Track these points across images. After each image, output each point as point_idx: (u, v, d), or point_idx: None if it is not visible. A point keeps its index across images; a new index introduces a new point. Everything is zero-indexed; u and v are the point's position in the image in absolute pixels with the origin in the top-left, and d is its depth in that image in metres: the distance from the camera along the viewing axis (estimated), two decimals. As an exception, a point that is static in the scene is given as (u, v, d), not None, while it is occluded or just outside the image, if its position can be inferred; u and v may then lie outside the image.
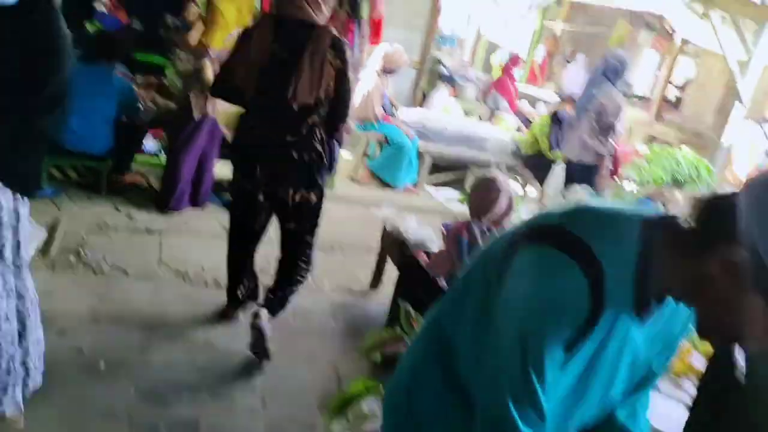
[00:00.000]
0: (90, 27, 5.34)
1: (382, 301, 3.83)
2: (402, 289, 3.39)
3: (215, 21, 4.11)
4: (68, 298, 3.25)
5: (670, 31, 14.75)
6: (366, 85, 5.80)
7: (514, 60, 7.91)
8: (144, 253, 3.96)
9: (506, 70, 7.87)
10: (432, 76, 8.18)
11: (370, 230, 5.11)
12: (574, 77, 13.16)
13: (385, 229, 3.84)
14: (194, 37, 4.14)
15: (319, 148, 2.84)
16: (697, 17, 7.47)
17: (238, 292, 3.32)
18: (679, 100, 12.48)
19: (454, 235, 2.97)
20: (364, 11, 4.88)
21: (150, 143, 5.21)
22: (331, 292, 3.93)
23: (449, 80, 8.09)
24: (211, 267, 3.91)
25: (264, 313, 2.99)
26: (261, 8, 5.01)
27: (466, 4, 11.42)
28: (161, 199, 4.52)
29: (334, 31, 2.82)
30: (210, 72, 4.24)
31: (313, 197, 2.97)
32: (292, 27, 2.74)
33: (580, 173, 5.16)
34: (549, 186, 6.25)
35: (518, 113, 7.88)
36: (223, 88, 2.94)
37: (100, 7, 5.87)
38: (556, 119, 6.19)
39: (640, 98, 12.74)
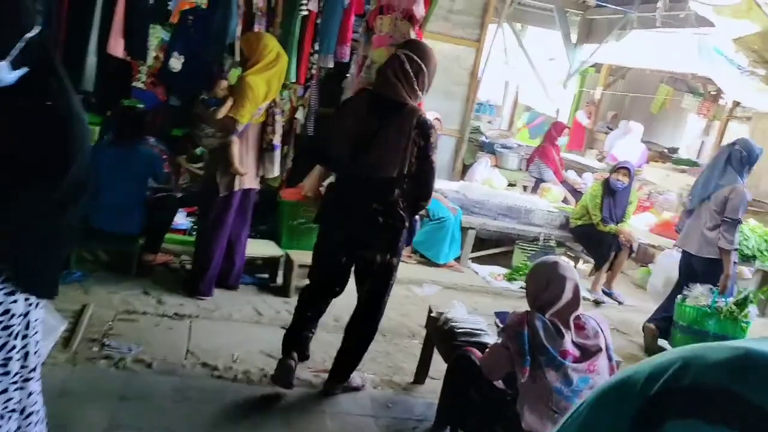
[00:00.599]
0: (126, 105, 5.28)
1: (429, 398, 3.45)
2: (452, 388, 3.01)
3: (244, 95, 3.93)
4: (85, 400, 2.95)
5: (714, 95, 14.48)
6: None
7: (558, 127, 7.65)
8: (171, 342, 3.68)
9: (549, 137, 7.60)
10: (472, 146, 7.96)
11: (412, 312, 4.77)
12: (629, 148, 12.79)
13: (430, 316, 3.49)
14: (222, 111, 3.97)
15: (402, 215, 3.01)
16: (750, 80, 7.15)
17: (301, 337, 3.40)
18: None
19: (514, 331, 2.61)
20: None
21: (182, 221, 5.03)
22: (372, 386, 3.56)
23: (490, 149, 7.85)
24: (242, 357, 3.62)
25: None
26: (297, 80, 4.89)
27: (503, 71, 11.34)
28: (191, 283, 4.27)
29: (423, 112, 2.97)
30: (236, 148, 4.05)
31: (394, 261, 3.16)
32: (385, 103, 2.96)
33: (702, 269, 4.68)
34: (602, 261, 5.84)
35: (564, 183, 7.56)
36: (318, 155, 3.30)
37: (139, 85, 5.84)
38: (608, 189, 5.84)
39: (691, 164, 12.31)
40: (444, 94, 7.15)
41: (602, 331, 2.70)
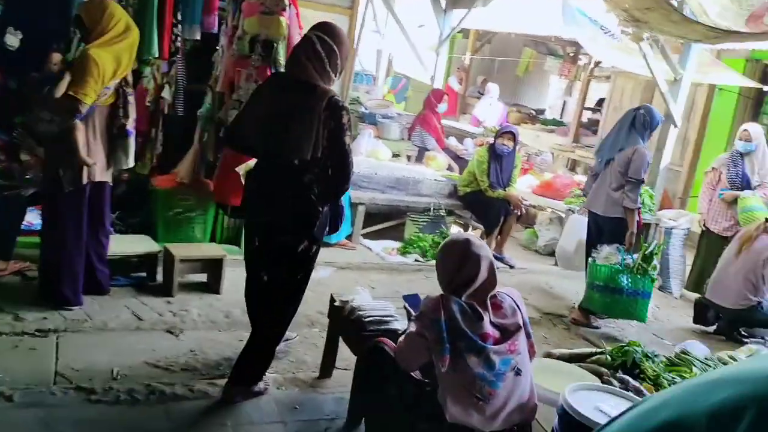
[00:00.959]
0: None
1: (339, 392, 3.21)
2: (365, 382, 2.79)
3: (87, 71, 3.42)
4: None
5: (573, 56, 15.13)
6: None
7: (437, 94, 7.55)
8: (35, 365, 3.18)
9: (429, 105, 7.50)
10: (352, 118, 7.70)
11: (309, 298, 4.47)
12: (489, 108, 13.11)
13: (334, 305, 3.24)
14: (59, 89, 3.43)
15: (315, 201, 2.89)
16: (612, 40, 7.42)
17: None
18: (593, 122, 12.58)
19: (429, 319, 2.42)
20: (281, 55, 4.33)
21: (37, 220, 4.40)
22: (275, 386, 3.26)
23: (371, 120, 7.63)
24: (124, 372, 3.20)
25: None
26: (160, 55, 4.38)
27: (375, 40, 11.15)
28: (52, 292, 3.73)
29: (334, 94, 2.89)
30: (81, 135, 3.54)
31: (313, 249, 3.03)
32: (296, 85, 2.90)
33: (609, 228, 4.78)
34: (491, 226, 5.84)
35: (447, 150, 7.51)
36: (235, 141, 3.20)
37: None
38: (494, 154, 5.82)
39: (558, 124, 12.81)
40: (320, 65, 6.82)
41: (519, 307, 2.57)
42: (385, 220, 6.04)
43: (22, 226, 4.32)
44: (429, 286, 5.11)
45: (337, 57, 2.91)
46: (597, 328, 4.82)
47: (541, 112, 14.99)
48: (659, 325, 5.20)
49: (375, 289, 4.89)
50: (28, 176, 4.65)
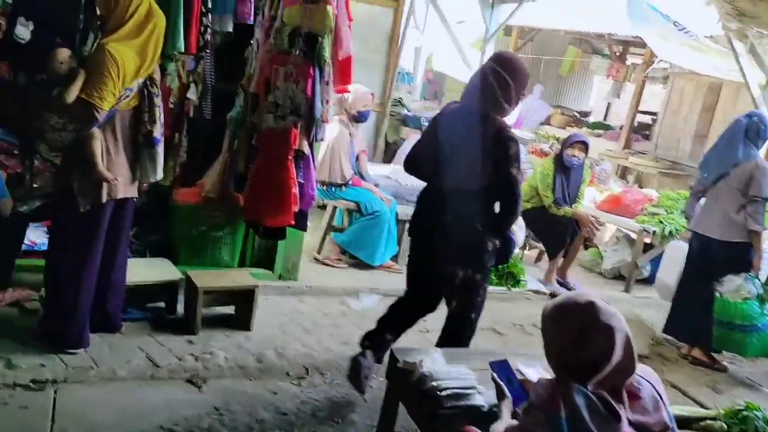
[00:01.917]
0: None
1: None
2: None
3: (105, 71, 2.82)
4: None
5: (620, 55, 14.27)
6: (329, 138, 4.60)
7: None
8: (26, 428, 2.58)
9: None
10: (394, 121, 7.05)
11: (355, 336, 3.84)
12: (535, 110, 12.37)
13: (397, 367, 2.56)
14: (71, 92, 2.82)
15: (481, 231, 2.94)
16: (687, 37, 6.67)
17: (381, 337, 3.27)
18: (643, 126, 11.75)
19: (545, 414, 1.75)
20: (326, 51, 3.68)
21: (42, 238, 3.82)
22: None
23: (415, 124, 6.97)
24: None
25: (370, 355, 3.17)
26: (187, 49, 3.75)
27: (413, 35, 10.45)
28: (53, 332, 3.13)
29: (504, 125, 2.91)
30: (98, 145, 2.93)
31: (477, 278, 3.06)
32: (467, 116, 2.94)
33: (727, 254, 4.13)
34: (553, 248, 5.13)
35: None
36: (412, 169, 3.23)
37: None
38: (561, 166, 5.11)
39: (605, 127, 12.01)
40: (360, 63, 6.17)
41: (661, 398, 1.89)
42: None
43: (24, 246, 3.75)
44: (485, 315, 4.43)
45: (512, 89, 2.90)
46: (724, 370, 4.24)
47: (586, 114, 14.18)
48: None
49: (427, 327, 4.23)
50: (36, 185, 4.07)
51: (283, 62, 3.74)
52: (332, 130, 4.67)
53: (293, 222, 3.82)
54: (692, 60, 6.94)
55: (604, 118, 14.70)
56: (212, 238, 4.11)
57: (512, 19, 9.20)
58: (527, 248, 5.77)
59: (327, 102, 3.81)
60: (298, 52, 3.69)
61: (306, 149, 3.81)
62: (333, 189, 4.79)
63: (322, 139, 3.98)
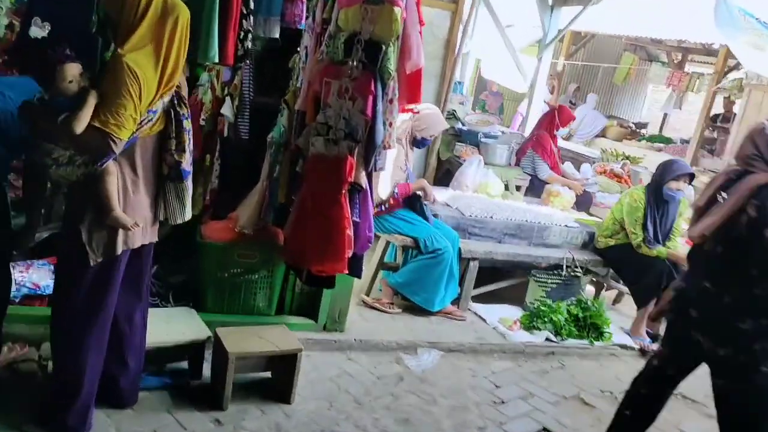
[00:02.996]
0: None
1: None
2: None
3: (122, 89, 2.19)
4: None
5: (678, 63, 13.34)
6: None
7: (564, 115, 6.06)
8: None
9: (548, 124, 6.05)
10: (447, 136, 6.34)
11: (409, 410, 3.14)
12: (589, 121, 11.54)
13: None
14: (81, 119, 2.19)
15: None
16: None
17: None
18: (708, 140, 10.82)
19: None
20: (391, 62, 2.99)
21: (46, 280, 3.20)
22: None
23: (472, 140, 6.25)
24: None
25: None
26: (222, 59, 3.08)
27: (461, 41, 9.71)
28: (52, 413, 2.49)
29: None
30: (114, 182, 2.29)
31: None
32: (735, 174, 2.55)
33: None
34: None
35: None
36: None
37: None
38: (657, 199, 4.34)
39: (666, 141, 11.10)
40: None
41: None
42: (501, 279, 4.63)
43: (25, 290, 3.14)
44: (566, 378, 3.71)
45: None
46: None
47: (643, 126, 13.27)
48: None
49: (500, 390, 3.51)
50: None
51: (336, 75, 3.06)
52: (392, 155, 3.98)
53: (346, 270, 3.14)
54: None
55: (660, 130, 13.77)
56: (246, 282, 3.45)
57: (577, 23, 8.43)
58: (605, 288, 5.00)
59: (390, 125, 3.11)
60: (356, 63, 3.00)
61: (363, 181, 3.12)
62: (385, 220, 4.09)
63: (382, 169, 3.28)
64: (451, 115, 6.54)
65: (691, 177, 4.33)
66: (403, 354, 3.72)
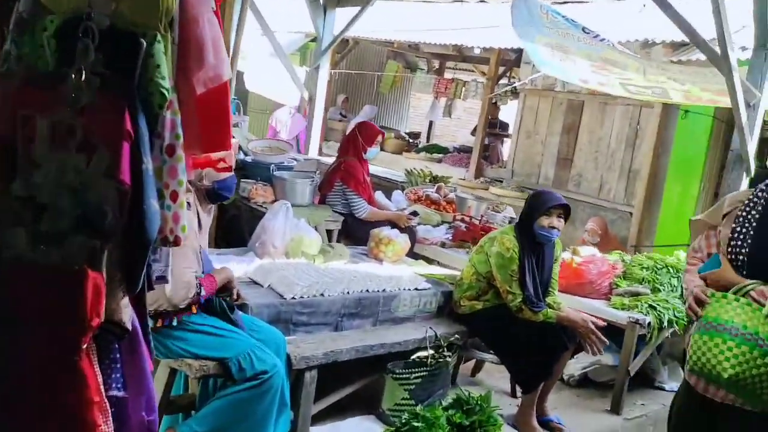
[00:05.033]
0: None
1: None
2: None
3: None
4: None
5: (438, 69, 13.21)
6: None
7: (368, 132, 4.84)
8: None
9: (355, 147, 4.79)
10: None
11: None
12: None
13: None
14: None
15: None
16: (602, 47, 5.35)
17: None
18: (487, 148, 10.57)
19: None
20: (163, 72, 1.43)
21: None
22: None
23: (263, 176, 4.78)
24: None
25: None
26: None
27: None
28: None
29: None
30: None
31: None
32: None
33: None
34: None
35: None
36: None
37: None
38: (531, 243, 3.31)
39: (442, 151, 10.64)
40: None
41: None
42: (347, 383, 3.22)
43: None
44: None
45: None
46: None
47: (416, 135, 12.83)
48: None
49: None
50: None
51: (45, 102, 1.42)
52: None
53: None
54: (594, 77, 5.62)
55: (428, 140, 13.52)
56: None
57: (355, 27, 7.37)
58: (463, 360, 3.87)
59: (174, 195, 1.55)
60: (86, 75, 1.39)
61: (127, 317, 1.52)
62: (168, 336, 2.45)
63: (164, 281, 1.70)
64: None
65: (566, 210, 3.36)
66: None
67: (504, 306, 3.34)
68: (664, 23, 6.37)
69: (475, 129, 11.73)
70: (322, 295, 3.13)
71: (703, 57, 6.10)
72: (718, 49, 3.91)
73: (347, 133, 5.04)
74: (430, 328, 3.31)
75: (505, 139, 10.89)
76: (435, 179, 6.32)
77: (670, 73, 5.15)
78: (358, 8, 7.01)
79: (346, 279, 3.26)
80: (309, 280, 3.15)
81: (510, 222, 5.46)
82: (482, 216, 5.07)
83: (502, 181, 8.78)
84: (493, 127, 10.54)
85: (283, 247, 3.55)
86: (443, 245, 4.84)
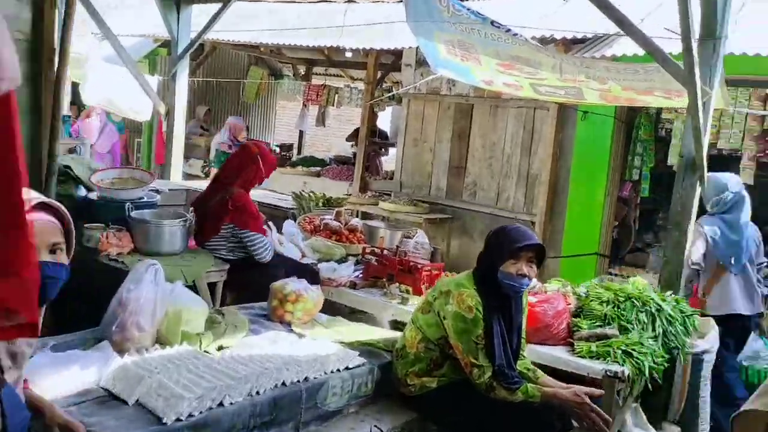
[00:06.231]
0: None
1: None
2: None
3: None
4: None
5: (305, 74, 12.32)
6: None
7: (267, 158, 3.83)
8: None
9: (247, 172, 3.77)
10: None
11: None
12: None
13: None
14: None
15: None
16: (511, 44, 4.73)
17: None
18: (369, 159, 9.76)
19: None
20: None
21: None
22: None
23: (113, 216, 3.63)
24: None
25: None
26: None
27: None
28: None
29: None
30: None
31: None
32: None
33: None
34: None
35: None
36: None
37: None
38: (497, 297, 2.50)
39: (320, 163, 9.71)
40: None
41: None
42: None
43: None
44: None
45: None
46: None
47: (288, 148, 11.77)
48: None
49: None
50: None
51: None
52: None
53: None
54: (499, 77, 4.98)
55: (299, 151, 12.55)
56: None
57: (215, 29, 6.26)
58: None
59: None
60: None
61: None
62: None
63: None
64: (65, 176, 3.75)
65: (539, 252, 2.58)
66: None
67: (467, 382, 2.51)
68: (570, 18, 5.93)
69: (349, 136, 11.00)
70: (221, 405, 2.12)
71: (594, 54, 5.76)
72: (666, 44, 3.36)
73: (234, 157, 3.96)
74: (375, 426, 2.40)
75: (385, 148, 10.21)
76: (329, 202, 5.39)
77: (592, 70, 4.61)
78: (218, 5, 5.94)
79: (254, 373, 2.27)
80: (201, 385, 2.12)
81: (428, 249, 4.68)
82: (398, 246, 4.23)
83: (390, 195, 8.00)
84: (372, 135, 9.79)
85: (153, 329, 2.48)
86: (353, 286, 3.95)
